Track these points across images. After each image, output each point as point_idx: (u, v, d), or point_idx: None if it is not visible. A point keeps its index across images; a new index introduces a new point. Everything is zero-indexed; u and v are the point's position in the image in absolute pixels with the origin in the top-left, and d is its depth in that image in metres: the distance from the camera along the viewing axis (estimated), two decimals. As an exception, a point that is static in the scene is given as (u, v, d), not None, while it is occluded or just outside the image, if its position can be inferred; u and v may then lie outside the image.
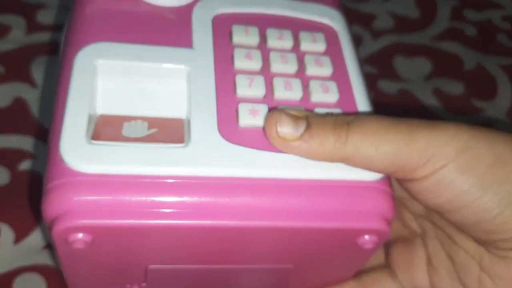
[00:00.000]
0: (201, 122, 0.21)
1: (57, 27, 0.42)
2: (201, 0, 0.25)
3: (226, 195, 0.20)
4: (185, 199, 0.19)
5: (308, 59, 0.24)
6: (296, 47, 0.25)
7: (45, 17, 0.42)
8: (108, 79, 0.22)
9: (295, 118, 0.21)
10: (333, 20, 0.26)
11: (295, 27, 0.25)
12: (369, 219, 0.21)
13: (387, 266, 0.28)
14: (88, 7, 0.24)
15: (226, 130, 0.21)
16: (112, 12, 0.23)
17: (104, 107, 0.22)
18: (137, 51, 0.22)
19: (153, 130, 0.21)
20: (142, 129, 0.21)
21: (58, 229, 0.18)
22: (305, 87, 0.23)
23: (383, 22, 0.46)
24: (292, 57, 0.24)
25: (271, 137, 0.21)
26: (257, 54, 0.23)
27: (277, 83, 0.23)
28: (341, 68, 0.24)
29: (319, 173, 0.21)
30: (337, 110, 0.23)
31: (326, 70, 0.24)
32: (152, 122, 0.21)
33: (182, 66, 0.22)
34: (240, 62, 0.23)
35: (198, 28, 0.24)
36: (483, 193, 0.21)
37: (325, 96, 0.23)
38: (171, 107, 0.22)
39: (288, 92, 0.22)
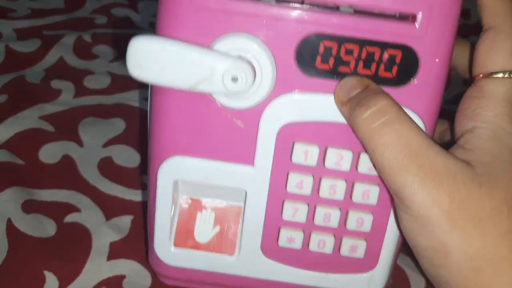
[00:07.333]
0: (248, 240, 0.28)
1: (102, 91, 0.46)
2: (269, 105, 0.25)
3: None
4: None
5: (356, 189, 0.26)
6: (353, 169, 0.26)
7: (92, 82, 0.47)
8: (186, 187, 0.28)
9: (350, 88, 0.24)
10: None
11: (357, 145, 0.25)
12: None
13: None
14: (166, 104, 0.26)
15: (267, 248, 0.28)
16: (185, 115, 0.25)
17: (185, 194, 0.29)
18: (206, 170, 0.27)
19: (217, 230, 0.29)
20: (209, 226, 0.29)
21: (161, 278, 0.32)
22: (343, 221, 0.27)
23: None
24: (342, 186, 0.26)
25: (334, 93, 0.24)
26: (309, 182, 0.26)
27: (318, 213, 0.27)
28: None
29: None
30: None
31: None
32: (218, 213, 0.29)
33: (242, 187, 0.27)
34: (292, 188, 0.26)
35: (262, 144, 0.25)
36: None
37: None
38: (233, 199, 0.29)
39: (325, 223, 0.27)
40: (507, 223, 0.22)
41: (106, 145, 0.42)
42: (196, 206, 0.28)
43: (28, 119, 0.42)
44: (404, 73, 0.24)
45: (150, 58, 0.23)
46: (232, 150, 0.26)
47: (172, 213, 0.28)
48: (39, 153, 0.40)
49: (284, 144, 0.26)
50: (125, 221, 0.37)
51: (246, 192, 0.27)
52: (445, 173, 0.22)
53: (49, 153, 0.40)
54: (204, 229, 0.28)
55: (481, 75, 0.24)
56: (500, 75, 0.24)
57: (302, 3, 0.23)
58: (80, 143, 0.42)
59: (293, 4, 0.23)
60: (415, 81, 0.24)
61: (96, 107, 0.45)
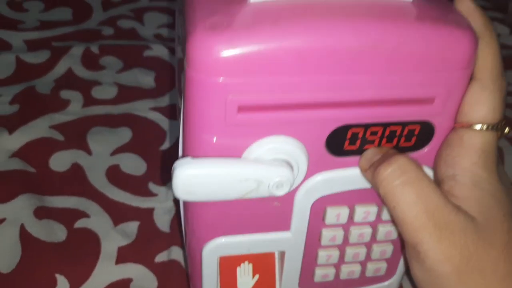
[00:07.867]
0: (287, 282, 0.30)
1: (109, 102, 0.48)
2: (303, 184, 0.26)
3: None
4: None
5: (380, 231, 0.29)
6: (378, 218, 0.29)
7: (99, 92, 0.48)
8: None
9: (371, 157, 0.26)
10: None
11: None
12: None
13: None
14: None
15: (304, 284, 0.31)
16: (222, 205, 0.26)
17: (223, 252, 0.29)
18: (247, 243, 0.28)
19: (256, 278, 0.30)
20: (249, 277, 0.30)
21: None
22: (369, 254, 0.30)
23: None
24: (368, 232, 0.29)
25: (359, 164, 0.26)
26: (340, 236, 0.29)
27: (348, 254, 0.30)
28: None
29: None
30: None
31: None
32: (254, 263, 0.30)
33: (280, 249, 0.29)
34: (325, 242, 0.29)
35: (298, 214, 0.28)
36: None
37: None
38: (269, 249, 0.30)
39: (354, 259, 0.30)
40: (504, 268, 0.25)
41: (113, 153, 0.43)
42: (234, 262, 0.30)
43: (38, 129, 0.44)
44: (421, 141, 0.26)
45: (198, 184, 0.23)
46: (270, 223, 0.28)
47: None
48: (50, 161, 0.42)
49: (317, 210, 0.28)
50: (132, 226, 0.39)
51: (283, 252, 0.29)
52: (457, 231, 0.24)
53: (59, 161, 0.42)
54: (246, 280, 0.30)
55: (463, 124, 0.26)
56: (479, 126, 0.25)
57: (327, 102, 0.24)
58: (88, 151, 0.43)
59: (320, 104, 0.23)
60: (429, 145, 0.26)
61: (104, 117, 0.46)
